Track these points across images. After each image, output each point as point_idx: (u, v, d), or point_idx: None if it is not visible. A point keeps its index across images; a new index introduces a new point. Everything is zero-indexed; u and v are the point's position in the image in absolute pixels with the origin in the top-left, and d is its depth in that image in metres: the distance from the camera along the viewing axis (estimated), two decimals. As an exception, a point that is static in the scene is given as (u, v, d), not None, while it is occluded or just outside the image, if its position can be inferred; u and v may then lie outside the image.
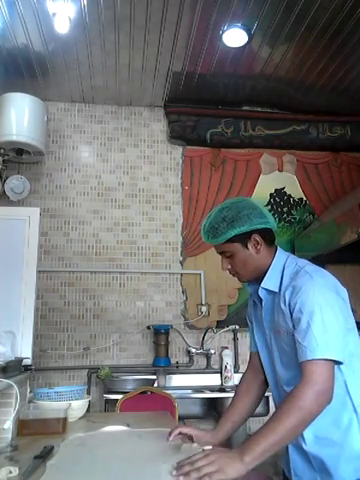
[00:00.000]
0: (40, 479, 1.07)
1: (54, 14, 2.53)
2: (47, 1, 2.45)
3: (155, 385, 2.88)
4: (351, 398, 1.16)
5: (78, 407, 1.78)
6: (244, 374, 1.51)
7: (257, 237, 1.29)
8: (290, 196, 3.62)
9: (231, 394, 2.79)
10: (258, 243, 1.29)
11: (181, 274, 3.35)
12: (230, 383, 3.05)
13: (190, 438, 1.33)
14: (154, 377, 2.97)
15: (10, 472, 1.12)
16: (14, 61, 2.96)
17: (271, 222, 1.33)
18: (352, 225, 2.69)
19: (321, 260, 3.31)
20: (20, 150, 3.07)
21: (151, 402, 2.34)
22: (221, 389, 2.99)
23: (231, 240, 1.28)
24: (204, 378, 3.12)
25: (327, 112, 3.59)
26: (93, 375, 3.02)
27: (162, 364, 3.06)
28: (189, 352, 3.17)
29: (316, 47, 2.86)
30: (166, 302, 3.28)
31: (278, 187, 3.62)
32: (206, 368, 3.17)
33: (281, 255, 1.32)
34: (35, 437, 1.52)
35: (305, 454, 1.20)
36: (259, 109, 3.62)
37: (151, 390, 2.49)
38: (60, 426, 1.59)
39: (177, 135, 3.50)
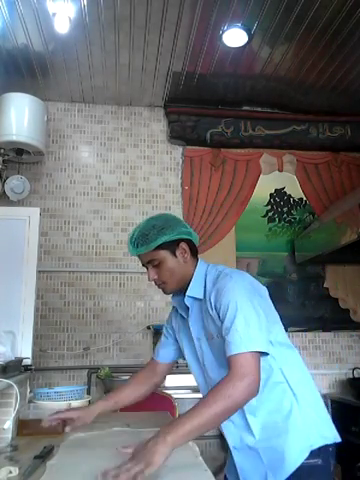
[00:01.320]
0: (40, 479, 1.07)
1: (54, 14, 2.53)
2: (47, 1, 2.44)
3: (155, 385, 2.87)
4: (289, 384, 1.24)
5: (78, 407, 1.78)
6: (142, 370, 1.59)
7: (184, 245, 1.35)
8: (290, 196, 3.62)
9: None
10: (186, 251, 1.35)
11: (181, 274, 3.34)
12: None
13: (70, 420, 1.38)
14: (154, 377, 2.96)
15: (10, 472, 1.12)
16: (14, 61, 2.96)
17: (194, 235, 1.41)
18: (352, 225, 2.69)
19: (321, 260, 3.33)
20: (20, 150, 3.07)
21: (151, 402, 2.32)
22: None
23: (161, 247, 1.32)
24: (204, 378, 3.12)
25: (327, 112, 3.59)
26: (93, 375, 3.01)
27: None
28: (189, 352, 3.16)
29: (316, 47, 2.85)
30: (166, 302, 3.27)
31: (278, 187, 3.62)
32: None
33: (202, 264, 1.38)
34: (35, 437, 1.52)
35: (253, 452, 1.24)
36: (259, 109, 3.61)
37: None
38: (60, 426, 1.58)
39: (177, 135, 3.50)
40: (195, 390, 2.92)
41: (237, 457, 1.28)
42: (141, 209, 3.42)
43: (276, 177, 3.63)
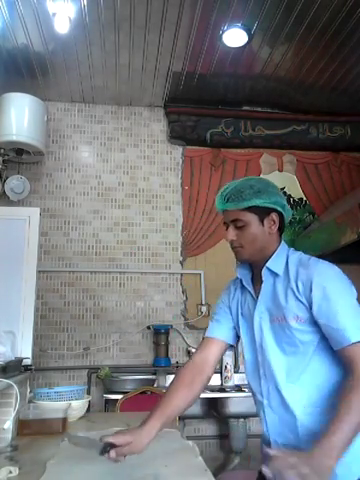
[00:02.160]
0: (40, 479, 1.07)
1: (54, 14, 2.53)
2: (47, 1, 2.44)
3: (155, 385, 2.87)
4: None
5: (78, 407, 1.78)
6: (186, 365, 1.34)
7: (275, 216, 1.25)
8: (290, 196, 3.62)
9: (231, 394, 2.80)
10: (274, 223, 1.25)
11: (181, 274, 3.35)
12: (230, 383, 3.05)
13: (118, 448, 1.08)
14: (154, 377, 2.97)
15: (10, 472, 1.12)
16: (14, 61, 2.96)
17: (287, 213, 1.30)
18: (352, 225, 2.69)
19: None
20: (20, 150, 3.07)
21: (151, 402, 2.33)
22: (221, 389, 2.99)
23: (251, 209, 1.22)
24: (204, 378, 3.11)
25: (327, 112, 3.59)
26: (93, 375, 3.02)
27: (162, 364, 3.06)
28: (189, 352, 3.17)
29: (316, 47, 2.85)
30: (166, 302, 3.28)
31: (278, 187, 3.62)
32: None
33: (285, 246, 1.30)
34: (35, 437, 1.52)
35: (292, 418, 1.15)
36: (259, 109, 3.61)
37: (151, 390, 2.49)
38: (60, 426, 1.59)
39: (177, 135, 3.50)
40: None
41: (268, 414, 1.21)
42: (141, 209, 3.42)
43: (276, 177, 3.62)
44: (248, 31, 2.69)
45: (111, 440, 1.07)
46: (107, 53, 2.91)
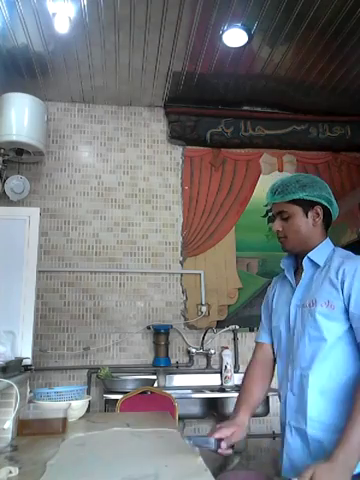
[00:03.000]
0: (40, 479, 1.07)
1: (54, 14, 2.53)
2: (47, 1, 2.45)
3: (155, 385, 2.87)
4: None
5: (78, 407, 1.78)
6: (253, 362, 1.48)
7: (319, 209, 1.32)
8: (290, 196, 3.61)
9: (231, 394, 2.80)
10: (318, 215, 1.32)
11: (181, 274, 3.35)
12: (230, 383, 3.05)
13: (226, 438, 1.24)
14: (154, 377, 2.97)
15: (10, 472, 1.12)
16: (14, 61, 2.96)
17: (334, 210, 1.37)
18: (352, 225, 2.70)
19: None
20: (20, 150, 3.07)
21: (151, 402, 2.34)
22: (221, 389, 2.99)
23: (296, 201, 1.31)
24: (204, 378, 3.12)
25: (327, 112, 3.59)
26: (93, 375, 3.02)
27: (162, 364, 3.06)
28: (189, 352, 3.17)
29: (316, 47, 2.85)
30: (166, 302, 3.28)
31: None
32: (206, 368, 3.17)
33: (330, 242, 1.36)
34: (35, 437, 1.52)
35: (303, 435, 1.22)
36: (259, 109, 3.61)
37: (151, 390, 2.49)
38: (60, 426, 1.59)
39: (177, 135, 3.50)
40: (195, 390, 2.92)
41: (288, 432, 1.27)
42: (141, 209, 3.42)
43: (276, 177, 3.60)
44: (248, 31, 2.69)
45: (218, 436, 1.21)
46: (107, 53, 2.91)
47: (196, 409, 2.77)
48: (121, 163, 3.49)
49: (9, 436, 1.51)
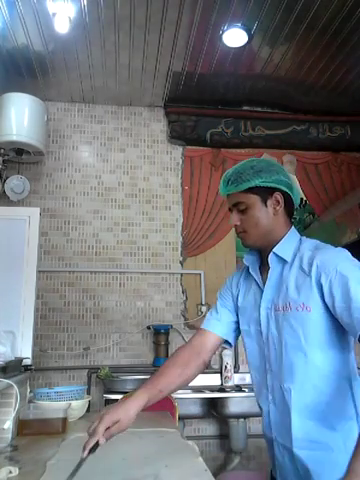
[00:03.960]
0: (40, 479, 1.07)
1: (54, 14, 2.53)
2: (47, 1, 2.44)
3: (155, 385, 2.87)
4: (356, 405, 1.07)
5: (78, 407, 1.78)
6: (185, 346, 1.32)
7: (279, 196, 1.18)
8: (290, 196, 3.61)
9: (231, 394, 2.80)
10: (278, 203, 1.18)
11: (181, 274, 3.35)
12: (230, 383, 3.05)
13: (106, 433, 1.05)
14: (154, 377, 2.96)
15: (10, 472, 1.12)
16: (14, 61, 2.96)
17: (295, 194, 1.23)
18: (352, 225, 2.70)
19: (321, 260, 3.33)
20: (20, 150, 3.07)
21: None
22: (221, 389, 2.99)
23: (252, 190, 1.17)
24: (204, 378, 3.11)
25: (327, 112, 3.59)
26: (93, 375, 3.02)
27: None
28: (189, 352, 3.16)
29: (316, 47, 2.85)
30: (166, 302, 3.28)
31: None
32: (206, 368, 3.16)
33: (295, 232, 1.23)
34: (35, 437, 1.52)
35: (290, 454, 1.10)
36: (259, 109, 3.61)
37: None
38: (60, 426, 1.59)
39: (177, 135, 3.50)
40: (195, 390, 2.92)
41: (277, 451, 1.15)
42: (141, 209, 3.42)
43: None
44: (248, 31, 2.69)
45: (97, 432, 1.03)
46: (107, 53, 2.91)
47: (196, 409, 2.77)
48: (121, 163, 3.49)
49: (9, 436, 1.51)
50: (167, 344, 3.11)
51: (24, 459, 1.26)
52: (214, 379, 3.12)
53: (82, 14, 2.54)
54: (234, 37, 2.74)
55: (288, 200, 1.21)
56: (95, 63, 3.02)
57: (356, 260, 1.07)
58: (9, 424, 1.51)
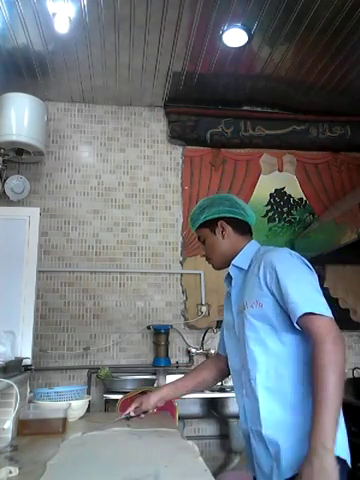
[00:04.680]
0: (40, 479, 1.07)
1: (54, 14, 2.53)
2: (47, 1, 2.44)
3: (155, 385, 2.87)
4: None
5: (78, 407, 1.78)
6: (205, 363, 1.67)
7: (223, 223, 1.42)
8: (290, 196, 3.62)
9: (231, 394, 2.80)
10: (224, 229, 1.42)
11: (181, 274, 3.35)
12: (230, 383, 3.05)
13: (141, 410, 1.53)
14: (154, 377, 2.97)
15: (10, 472, 1.12)
16: (14, 61, 2.96)
17: (245, 214, 1.45)
18: (352, 225, 2.69)
19: (321, 260, 3.32)
20: (20, 150, 3.07)
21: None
22: (221, 389, 2.99)
23: (202, 226, 1.45)
24: (204, 378, 3.11)
25: (327, 112, 3.59)
26: (93, 375, 3.02)
27: (162, 364, 3.06)
28: (189, 352, 3.17)
29: (316, 47, 2.85)
30: (166, 302, 3.28)
31: (278, 187, 3.62)
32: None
33: (254, 244, 1.44)
34: (35, 437, 1.52)
35: (261, 438, 1.20)
36: (259, 109, 3.61)
37: (151, 390, 2.48)
38: (60, 426, 1.59)
39: (177, 135, 3.50)
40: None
41: (253, 438, 1.25)
42: (141, 209, 3.42)
43: (276, 177, 3.63)
44: (248, 31, 2.69)
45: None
46: (107, 53, 2.91)
47: (196, 409, 2.77)
48: (121, 163, 3.49)
49: (9, 436, 1.51)
50: (167, 344, 3.11)
51: (24, 459, 1.27)
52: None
53: (82, 14, 2.54)
54: (234, 37, 2.74)
55: (235, 222, 1.43)
56: (95, 63, 3.02)
57: (295, 256, 1.26)
58: (9, 424, 1.51)
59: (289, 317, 1.17)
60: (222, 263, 1.46)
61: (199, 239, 1.50)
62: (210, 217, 1.42)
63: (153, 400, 1.50)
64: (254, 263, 1.32)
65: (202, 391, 2.90)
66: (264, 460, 1.19)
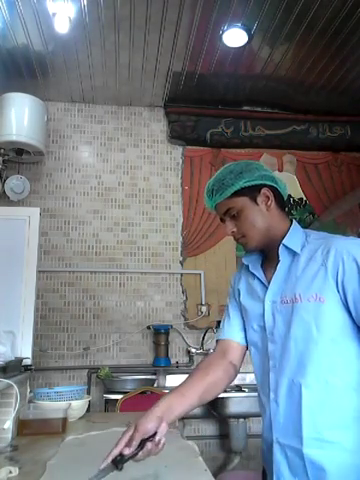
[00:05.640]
0: (40, 479, 1.07)
1: (54, 14, 2.53)
2: (47, 1, 2.44)
3: (155, 385, 2.87)
4: None
5: (78, 407, 1.78)
6: (211, 357, 1.25)
7: (267, 191, 1.16)
8: (290, 196, 3.62)
9: (231, 394, 2.80)
10: (269, 198, 1.15)
11: (181, 274, 3.34)
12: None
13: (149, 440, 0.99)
14: (154, 377, 2.97)
15: (10, 472, 1.12)
16: (14, 61, 2.96)
17: (281, 187, 1.21)
18: (352, 225, 2.70)
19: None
20: (20, 150, 3.07)
21: (151, 402, 2.31)
22: (221, 389, 2.98)
23: (239, 193, 1.15)
24: (204, 378, 3.11)
25: (327, 112, 3.59)
26: (93, 375, 3.02)
27: (162, 364, 3.06)
28: (189, 352, 3.17)
29: (316, 47, 2.85)
30: (166, 302, 3.28)
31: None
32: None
33: (298, 224, 1.19)
34: (35, 437, 1.52)
35: (298, 456, 1.01)
36: (259, 109, 3.61)
37: (151, 390, 2.49)
38: (60, 426, 1.59)
39: (177, 135, 3.50)
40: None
41: (277, 451, 1.07)
42: (141, 209, 3.42)
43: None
44: (248, 31, 2.69)
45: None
46: (107, 53, 2.91)
47: (196, 409, 2.75)
48: (121, 163, 3.49)
49: (9, 436, 1.51)
50: (167, 344, 3.11)
51: (24, 459, 1.27)
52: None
53: (82, 14, 2.54)
54: (234, 37, 2.74)
55: (276, 193, 1.19)
56: (95, 63, 3.02)
57: None
58: (9, 424, 1.51)
59: (352, 322, 1.01)
60: (261, 242, 1.16)
61: (226, 213, 1.18)
62: (253, 182, 1.15)
63: (150, 425, 1.00)
64: (307, 248, 1.10)
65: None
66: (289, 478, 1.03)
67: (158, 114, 3.60)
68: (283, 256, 1.13)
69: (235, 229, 1.17)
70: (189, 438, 1.49)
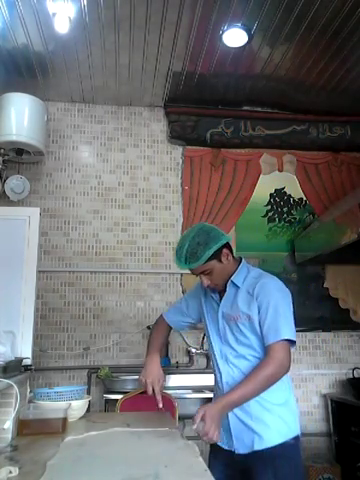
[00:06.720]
0: (40, 479, 1.07)
1: (54, 14, 2.53)
2: (47, 1, 2.45)
3: (155, 385, 2.87)
4: (289, 381, 1.60)
5: (78, 407, 1.78)
6: (158, 325, 1.91)
7: (226, 250, 1.58)
8: (290, 196, 3.62)
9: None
10: (228, 254, 1.59)
11: (181, 274, 3.34)
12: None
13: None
14: (154, 377, 2.96)
15: (10, 472, 1.12)
16: (14, 61, 2.96)
17: (230, 238, 1.64)
18: (352, 225, 2.69)
19: (321, 260, 3.33)
20: (20, 150, 3.07)
21: (151, 402, 2.32)
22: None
23: (209, 259, 1.54)
24: (204, 378, 3.11)
25: (327, 112, 3.59)
26: (93, 375, 3.02)
27: (162, 364, 3.04)
28: (189, 352, 3.17)
29: (316, 47, 2.85)
30: (166, 302, 3.28)
31: (278, 187, 3.62)
32: (206, 368, 3.17)
33: (244, 262, 1.66)
34: (35, 437, 1.52)
35: (247, 416, 1.53)
36: (259, 109, 3.61)
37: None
38: (60, 426, 1.59)
39: (177, 135, 3.50)
40: (195, 390, 2.93)
41: (231, 417, 1.56)
42: (141, 209, 3.42)
43: (276, 177, 3.63)
44: (248, 31, 2.69)
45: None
46: (107, 53, 2.91)
47: (196, 409, 2.74)
48: (121, 163, 3.49)
49: (9, 436, 1.51)
50: (167, 344, 3.11)
51: (24, 459, 1.27)
52: (213, 379, 3.11)
53: (82, 14, 2.54)
54: (234, 37, 2.74)
55: (229, 244, 1.61)
56: (95, 63, 3.02)
57: (284, 289, 1.58)
58: (9, 424, 1.51)
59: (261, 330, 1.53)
60: (223, 284, 1.63)
61: (201, 273, 1.58)
62: (217, 248, 1.53)
63: (160, 370, 1.77)
64: (246, 283, 1.59)
65: (201, 391, 2.91)
66: (241, 433, 1.55)
67: (158, 114, 3.60)
68: (229, 288, 1.63)
69: (210, 282, 1.60)
70: (189, 438, 1.49)
